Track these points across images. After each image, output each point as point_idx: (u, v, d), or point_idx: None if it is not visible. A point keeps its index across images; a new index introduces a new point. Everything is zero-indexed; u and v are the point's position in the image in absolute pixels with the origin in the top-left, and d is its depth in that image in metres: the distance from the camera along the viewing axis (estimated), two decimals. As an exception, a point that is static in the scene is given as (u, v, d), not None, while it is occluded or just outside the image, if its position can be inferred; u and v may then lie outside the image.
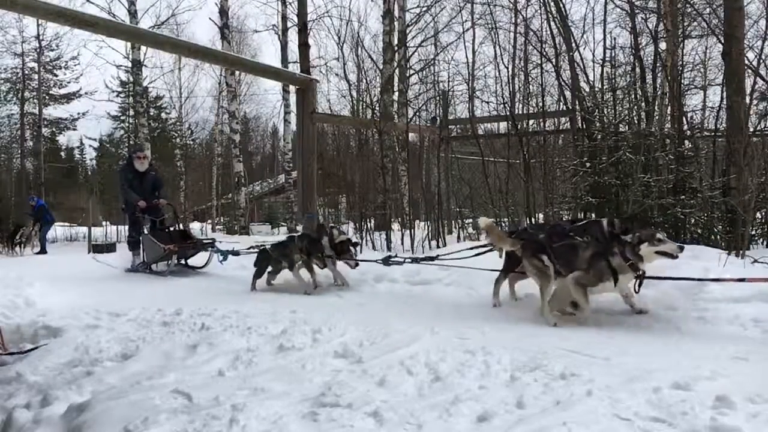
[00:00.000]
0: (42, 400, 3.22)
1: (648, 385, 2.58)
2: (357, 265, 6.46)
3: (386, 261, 6.49)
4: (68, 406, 3.02)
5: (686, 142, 7.70)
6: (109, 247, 15.38)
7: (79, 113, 30.88)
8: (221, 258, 8.45)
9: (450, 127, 12.03)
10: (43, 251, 15.35)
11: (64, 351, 4.12)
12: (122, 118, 32.42)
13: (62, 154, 40.91)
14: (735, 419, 2.22)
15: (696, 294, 4.29)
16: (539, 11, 11.33)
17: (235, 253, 8.34)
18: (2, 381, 3.83)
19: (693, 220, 6.98)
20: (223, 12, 19.28)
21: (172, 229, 9.38)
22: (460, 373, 2.94)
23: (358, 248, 7.33)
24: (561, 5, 9.56)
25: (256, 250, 7.37)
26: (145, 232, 8.95)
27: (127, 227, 9.95)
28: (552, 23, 9.61)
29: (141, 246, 8.91)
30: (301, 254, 6.38)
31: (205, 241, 9.23)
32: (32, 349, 4.41)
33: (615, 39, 10.35)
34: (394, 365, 3.09)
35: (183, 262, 8.87)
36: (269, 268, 6.74)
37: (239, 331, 4.05)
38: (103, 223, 27.56)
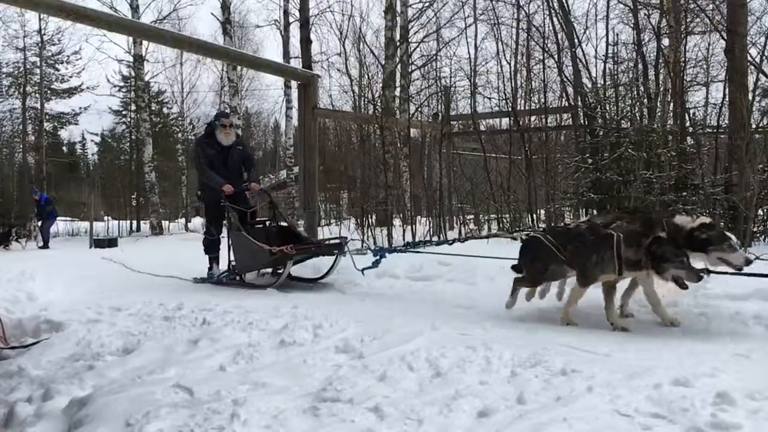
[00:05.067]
0: (44, 394, 3.23)
1: (648, 382, 2.58)
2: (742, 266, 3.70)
3: None
4: (70, 400, 3.03)
5: (688, 138, 7.69)
6: (110, 242, 15.43)
7: (80, 108, 30.89)
8: (373, 262, 6.01)
9: (452, 122, 12.01)
10: (45, 246, 15.40)
11: (65, 345, 4.13)
12: (124, 112, 32.37)
13: (64, 148, 41.02)
14: (735, 416, 2.22)
15: (697, 290, 4.28)
16: (542, 7, 11.33)
17: (395, 249, 6.11)
18: (4, 375, 3.85)
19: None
20: (225, 7, 19.22)
21: (269, 224, 7.03)
22: (461, 368, 2.94)
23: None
24: (563, 1, 9.54)
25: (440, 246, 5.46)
26: (232, 228, 6.57)
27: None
28: (554, 19, 9.60)
29: (226, 248, 6.67)
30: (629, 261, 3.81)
31: (330, 242, 6.61)
32: (34, 344, 4.44)
33: (617, 35, 10.32)
34: (395, 361, 3.09)
35: (280, 271, 6.42)
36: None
37: (240, 326, 4.05)
38: (105, 218, 27.65)
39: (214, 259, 6.97)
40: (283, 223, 7.29)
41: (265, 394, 2.74)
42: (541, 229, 4.55)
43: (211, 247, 6.99)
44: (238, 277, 6.55)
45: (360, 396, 2.64)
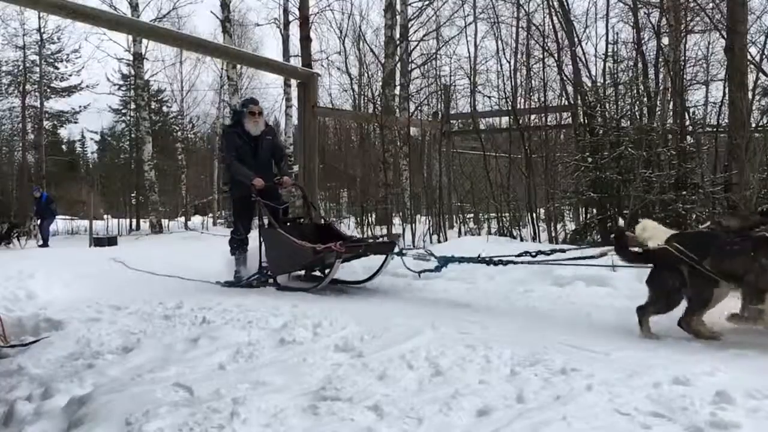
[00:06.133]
0: (43, 393, 3.23)
1: (648, 380, 2.58)
2: None
3: None
4: (69, 398, 3.03)
5: (688, 137, 7.69)
6: (110, 241, 15.43)
7: (80, 106, 30.81)
8: (435, 267, 5.60)
9: (451, 121, 12.02)
10: (45, 244, 15.39)
11: (65, 344, 4.13)
12: (123, 111, 32.37)
13: (63, 147, 40.92)
14: (735, 414, 2.22)
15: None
16: (542, 5, 11.32)
17: (464, 259, 5.40)
18: (4, 373, 3.85)
19: (694, 216, 6.98)
20: (225, 5, 19.22)
21: (302, 221, 6.47)
22: (461, 367, 2.94)
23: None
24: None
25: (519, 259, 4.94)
26: (266, 225, 5.94)
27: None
28: (554, 17, 9.58)
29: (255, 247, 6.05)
30: None
31: (380, 241, 6.13)
32: (34, 342, 4.44)
33: (617, 34, 10.32)
34: (395, 359, 3.09)
35: (316, 272, 6.07)
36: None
37: (240, 324, 4.05)
38: (105, 216, 27.65)
39: (241, 260, 6.35)
40: (316, 221, 6.62)
41: (264, 393, 2.74)
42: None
43: (238, 247, 6.38)
44: (271, 280, 5.96)
45: (360, 395, 2.64)
